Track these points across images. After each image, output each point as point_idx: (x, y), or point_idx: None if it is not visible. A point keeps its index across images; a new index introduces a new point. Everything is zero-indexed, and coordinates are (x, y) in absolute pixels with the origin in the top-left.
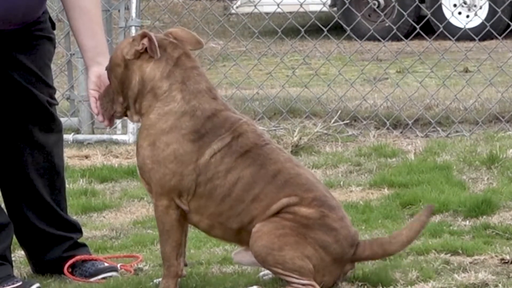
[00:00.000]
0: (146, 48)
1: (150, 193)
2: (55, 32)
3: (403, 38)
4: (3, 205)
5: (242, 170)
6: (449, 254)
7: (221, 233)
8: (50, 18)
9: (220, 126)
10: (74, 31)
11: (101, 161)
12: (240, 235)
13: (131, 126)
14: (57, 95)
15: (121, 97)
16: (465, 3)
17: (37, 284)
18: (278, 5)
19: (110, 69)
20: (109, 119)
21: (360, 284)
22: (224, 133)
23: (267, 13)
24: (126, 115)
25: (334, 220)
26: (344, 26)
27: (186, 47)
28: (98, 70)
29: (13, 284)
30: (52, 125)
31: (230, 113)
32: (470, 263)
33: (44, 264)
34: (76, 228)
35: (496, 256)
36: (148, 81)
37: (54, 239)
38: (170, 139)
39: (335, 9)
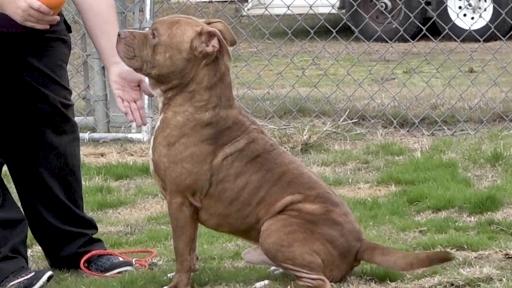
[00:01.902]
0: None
1: (163, 189)
2: (71, 33)
3: (409, 39)
4: (19, 203)
5: (250, 175)
6: (454, 249)
7: (229, 231)
8: (65, 21)
9: (235, 130)
10: (89, 33)
11: (117, 159)
12: (248, 234)
13: (146, 125)
14: (73, 95)
15: (156, 70)
16: (470, 5)
17: (49, 273)
18: (288, 7)
19: (165, 43)
20: (141, 118)
21: (368, 278)
22: (237, 136)
23: (277, 15)
24: (140, 70)
25: (338, 215)
26: (352, 27)
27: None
28: (118, 69)
29: (26, 275)
30: (65, 126)
31: (244, 118)
32: (475, 258)
33: (60, 260)
34: (91, 225)
35: (501, 251)
36: (195, 84)
37: (69, 235)
38: (190, 142)
39: (343, 11)
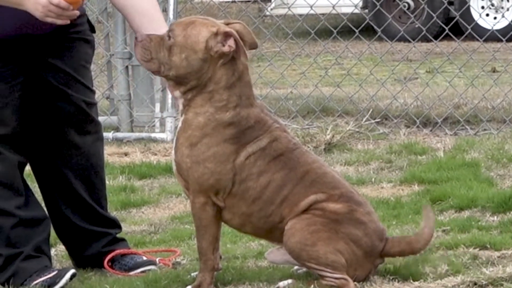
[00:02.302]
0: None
1: (186, 189)
2: (95, 33)
3: (432, 39)
4: (42, 204)
5: (273, 174)
6: (477, 249)
7: (252, 231)
8: (88, 21)
9: (257, 129)
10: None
11: (140, 158)
12: (271, 234)
13: (169, 124)
14: (97, 95)
15: (174, 71)
16: (492, 5)
17: (72, 271)
18: (311, 7)
19: (181, 44)
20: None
21: (391, 278)
22: (260, 135)
23: (300, 15)
24: (158, 73)
25: (362, 214)
26: (375, 27)
27: (245, 47)
28: None
29: (49, 274)
30: (88, 126)
31: (266, 117)
32: (498, 257)
33: (84, 259)
34: (115, 224)
35: None
36: (213, 84)
37: (93, 235)
38: (212, 142)
39: (366, 11)
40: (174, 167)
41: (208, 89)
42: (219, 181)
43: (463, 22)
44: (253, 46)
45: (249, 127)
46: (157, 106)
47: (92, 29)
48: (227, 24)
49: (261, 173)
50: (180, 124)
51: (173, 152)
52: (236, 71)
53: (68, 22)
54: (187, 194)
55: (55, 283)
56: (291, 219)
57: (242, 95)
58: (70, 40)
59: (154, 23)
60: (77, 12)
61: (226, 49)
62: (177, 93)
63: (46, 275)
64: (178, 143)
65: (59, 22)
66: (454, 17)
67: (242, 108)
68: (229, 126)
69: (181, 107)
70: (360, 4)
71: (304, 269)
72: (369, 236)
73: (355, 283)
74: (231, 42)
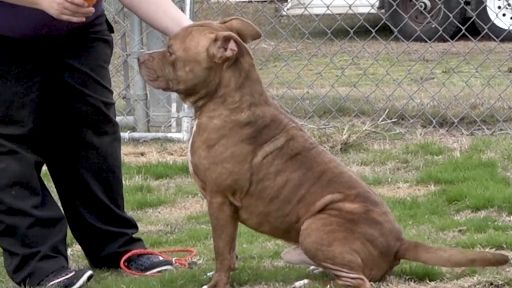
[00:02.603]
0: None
1: (203, 190)
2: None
3: (449, 39)
4: (58, 203)
5: (290, 173)
6: (493, 249)
7: (269, 231)
8: (107, 20)
9: (274, 128)
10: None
11: (156, 158)
12: (288, 234)
13: (185, 124)
14: (114, 94)
15: (182, 85)
16: (509, 5)
17: (89, 272)
18: (327, 7)
19: (183, 58)
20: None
21: (407, 277)
22: (277, 134)
23: (317, 15)
24: (168, 89)
25: (378, 214)
26: (392, 27)
27: (247, 40)
28: None
29: (66, 275)
30: (106, 127)
31: (281, 115)
32: None
33: (101, 259)
34: (131, 224)
35: None
36: (223, 88)
37: (109, 235)
38: (230, 143)
39: (382, 11)
40: (190, 168)
41: (219, 94)
42: (237, 181)
43: (479, 22)
44: (256, 36)
45: (266, 126)
46: (174, 106)
47: (111, 29)
48: (224, 23)
49: (278, 173)
50: (195, 128)
51: (189, 154)
52: (242, 70)
53: (84, 19)
54: (204, 194)
55: (72, 284)
56: (307, 219)
57: (254, 93)
58: (88, 40)
59: (171, 9)
60: (92, 9)
61: (229, 53)
62: (188, 103)
63: (63, 276)
64: (194, 146)
65: (74, 19)
66: (471, 17)
67: (257, 106)
68: (245, 126)
69: (193, 111)
70: (377, 4)
71: (320, 269)
72: (385, 236)
73: (371, 283)
74: (232, 45)
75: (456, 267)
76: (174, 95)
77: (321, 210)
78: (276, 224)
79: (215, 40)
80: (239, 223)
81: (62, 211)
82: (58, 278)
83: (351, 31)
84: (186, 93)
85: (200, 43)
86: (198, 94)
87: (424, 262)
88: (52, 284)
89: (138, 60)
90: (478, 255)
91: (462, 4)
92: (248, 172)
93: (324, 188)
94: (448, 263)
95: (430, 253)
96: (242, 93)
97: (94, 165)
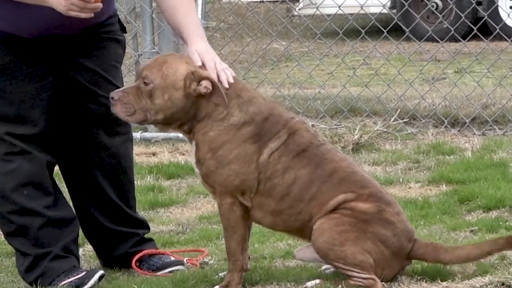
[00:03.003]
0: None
1: (213, 194)
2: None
3: (460, 39)
4: (70, 203)
5: (298, 170)
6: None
7: (284, 229)
8: (119, 21)
9: (275, 123)
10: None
11: (168, 158)
12: (303, 232)
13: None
14: None
15: (161, 114)
16: None
17: (101, 272)
18: (339, 7)
19: (161, 86)
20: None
21: (418, 278)
22: (280, 131)
23: (328, 15)
24: (146, 121)
25: (391, 215)
26: (403, 27)
27: None
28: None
29: (77, 274)
30: (118, 127)
31: (280, 109)
32: None
33: (112, 260)
34: (143, 225)
35: None
36: (203, 109)
37: (121, 236)
38: (233, 146)
39: (394, 11)
40: (200, 178)
41: (203, 115)
42: (245, 181)
43: (491, 22)
44: None
45: (265, 120)
46: None
47: (123, 29)
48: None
49: (286, 170)
50: (193, 148)
51: (196, 168)
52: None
53: (92, 15)
54: (215, 198)
55: (83, 284)
56: (319, 218)
57: (240, 92)
58: (100, 40)
59: (190, 4)
60: (99, 5)
61: (203, 90)
62: (171, 130)
63: (74, 276)
64: (200, 159)
65: (83, 15)
66: (483, 17)
67: (248, 105)
68: (243, 126)
69: (184, 135)
70: (388, 4)
71: (332, 269)
72: (397, 236)
73: (383, 283)
74: (206, 83)
75: (475, 261)
76: None
77: (334, 210)
78: (290, 223)
79: (193, 73)
80: (255, 224)
81: (74, 212)
82: (69, 278)
83: (363, 31)
84: (165, 123)
85: (178, 71)
86: (177, 121)
87: (442, 263)
88: (63, 284)
89: (112, 98)
90: (492, 244)
91: (474, 4)
92: (255, 171)
93: (336, 187)
94: (467, 259)
95: (448, 253)
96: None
97: (106, 165)
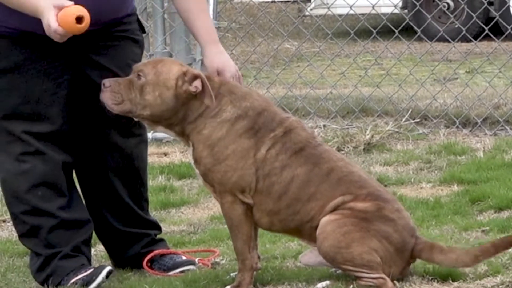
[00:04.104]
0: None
1: (214, 193)
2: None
3: (472, 39)
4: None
5: (296, 168)
6: None
7: (281, 229)
8: (138, 20)
9: (271, 120)
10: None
11: (180, 159)
12: (300, 232)
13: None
14: None
15: (148, 110)
16: None
17: (108, 268)
18: (351, 7)
19: (153, 82)
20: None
21: (430, 278)
22: (275, 128)
23: (340, 15)
24: (131, 113)
25: (390, 212)
26: (415, 27)
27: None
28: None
29: (85, 271)
30: (132, 128)
31: (277, 109)
32: None
33: (124, 261)
34: (155, 226)
35: None
36: (195, 111)
37: (132, 237)
38: (228, 141)
39: (406, 11)
40: (200, 179)
41: (194, 115)
42: (242, 177)
43: (503, 22)
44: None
45: (259, 115)
46: None
47: (142, 29)
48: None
49: (283, 168)
50: (190, 148)
51: (195, 168)
52: (213, 88)
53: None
54: (216, 197)
55: (92, 281)
56: (320, 221)
57: (233, 88)
58: (116, 38)
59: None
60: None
61: (192, 89)
62: (160, 129)
63: (82, 273)
64: (197, 158)
65: (62, 41)
66: (494, 17)
67: (241, 100)
68: (237, 120)
69: (176, 137)
70: (400, 4)
71: None
72: (399, 232)
73: (394, 282)
74: (197, 83)
75: (474, 264)
76: None
77: (333, 210)
78: (287, 222)
79: (185, 74)
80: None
81: (88, 214)
82: (77, 275)
83: (374, 31)
84: (152, 119)
85: (172, 71)
86: (166, 121)
87: (438, 263)
88: (73, 282)
89: (103, 85)
90: (498, 242)
91: (486, 4)
92: (252, 167)
93: (334, 187)
94: (463, 262)
95: (444, 254)
96: (218, 100)
97: (118, 166)
